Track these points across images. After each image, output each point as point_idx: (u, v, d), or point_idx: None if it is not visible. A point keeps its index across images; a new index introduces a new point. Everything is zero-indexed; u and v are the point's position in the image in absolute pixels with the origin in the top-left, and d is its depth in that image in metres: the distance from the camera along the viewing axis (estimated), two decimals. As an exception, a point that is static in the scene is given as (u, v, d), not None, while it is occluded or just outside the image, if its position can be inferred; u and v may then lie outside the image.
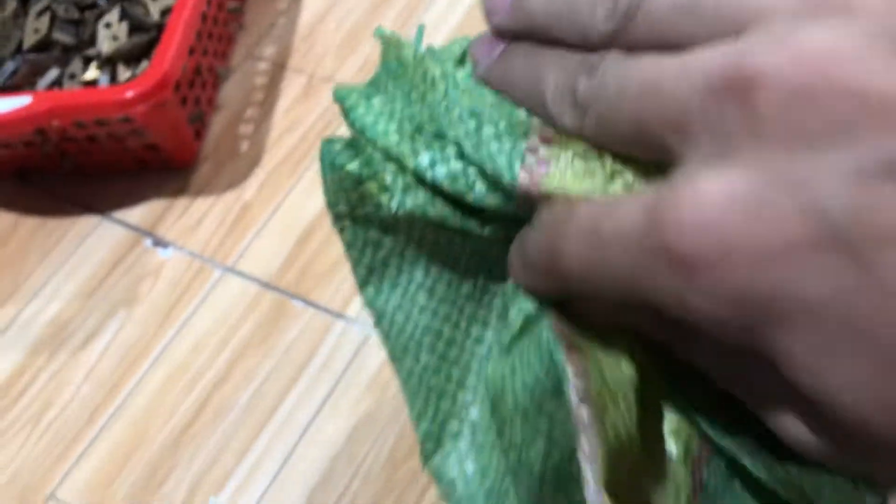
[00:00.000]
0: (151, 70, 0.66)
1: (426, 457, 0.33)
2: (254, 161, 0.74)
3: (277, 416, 0.60)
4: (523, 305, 0.29)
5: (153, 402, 0.62)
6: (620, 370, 0.28)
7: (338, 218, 0.33)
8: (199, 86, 0.74)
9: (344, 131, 0.29)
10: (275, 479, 0.57)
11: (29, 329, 0.68)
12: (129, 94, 0.64)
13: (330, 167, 0.32)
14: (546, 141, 0.27)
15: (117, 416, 0.62)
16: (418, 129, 0.30)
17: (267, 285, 0.66)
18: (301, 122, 0.76)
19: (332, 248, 0.67)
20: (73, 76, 0.73)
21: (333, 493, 0.56)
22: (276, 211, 0.71)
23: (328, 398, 0.60)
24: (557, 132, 0.27)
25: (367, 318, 0.63)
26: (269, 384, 0.61)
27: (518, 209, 0.28)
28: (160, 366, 0.64)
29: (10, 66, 0.74)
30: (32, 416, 0.63)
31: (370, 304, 0.33)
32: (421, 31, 0.33)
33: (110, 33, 0.74)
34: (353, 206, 0.31)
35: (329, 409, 0.59)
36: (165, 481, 0.58)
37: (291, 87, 0.78)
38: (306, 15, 0.83)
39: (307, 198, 0.71)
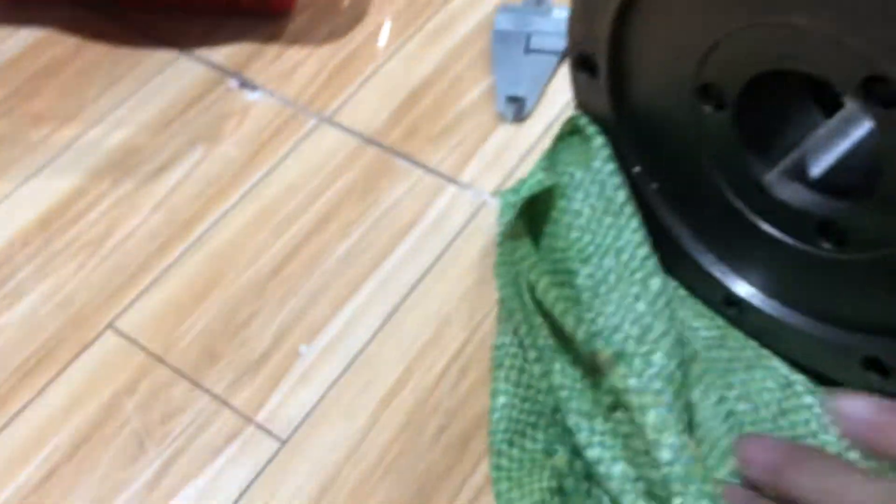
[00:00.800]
0: None
1: None
2: (356, 17, 0.67)
3: (380, 272, 0.52)
4: None
5: (236, 240, 0.54)
6: None
7: None
8: (304, -70, 0.67)
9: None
10: (376, 334, 0.50)
11: (91, 153, 0.59)
12: None
13: None
14: None
15: (194, 250, 0.54)
16: None
17: (369, 140, 0.59)
18: (410, -14, 0.69)
19: (445, 111, 0.60)
20: None
21: (444, 356, 0.49)
22: (380, 67, 0.64)
23: (437, 262, 0.53)
24: None
25: (482, 186, 0.56)
26: (369, 239, 0.54)
27: None
28: (246, 205, 0.56)
29: None
30: (92, 239, 0.55)
31: None
32: None
33: None
34: None
35: (437, 272, 0.52)
36: (248, 325, 0.51)
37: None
38: None
39: (416, 61, 0.64)
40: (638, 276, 0.44)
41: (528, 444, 0.43)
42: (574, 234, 0.45)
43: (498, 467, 0.43)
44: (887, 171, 0.35)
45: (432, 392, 0.47)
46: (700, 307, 0.49)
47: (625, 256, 0.44)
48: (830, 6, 0.33)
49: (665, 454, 0.39)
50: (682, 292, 0.49)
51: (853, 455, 0.40)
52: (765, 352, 0.46)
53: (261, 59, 0.65)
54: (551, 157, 0.50)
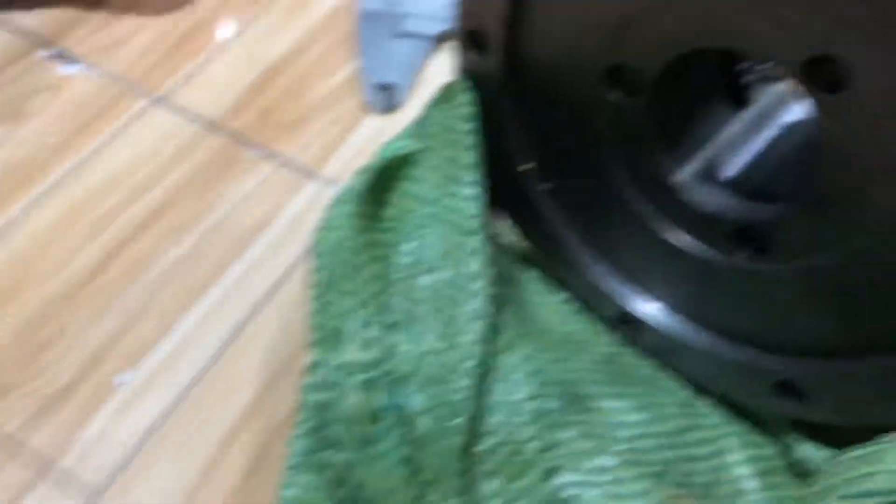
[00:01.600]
0: None
1: None
2: (203, -17, 0.58)
3: (222, 282, 0.44)
4: None
5: (40, 241, 0.44)
6: None
7: None
8: None
9: None
10: (216, 358, 0.41)
11: None
12: None
13: None
14: None
15: (-17, 253, 0.43)
16: None
17: (212, 125, 0.50)
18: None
19: (304, 97, 0.53)
20: None
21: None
22: (229, 43, 0.55)
23: (294, 270, 0.45)
24: None
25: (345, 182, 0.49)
26: (210, 243, 0.45)
27: None
28: (54, 198, 0.46)
29: None
30: None
31: None
32: None
33: None
34: None
35: (295, 282, 0.44)
36: (50, 346, 0.41)
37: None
38: None
39: (271, 38, 0.56)
40: (461, 253, 0.37)
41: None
42: (409, 204, 0.39)
43: None
44: (827, 167, 0.31)
45: (286, 432, 0.39)
46: (588, 321, 0.44)
47: (455, 234, 0.38)
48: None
49: None
50: (575, 305, 0.44)
51: (753, 483, 0.37)
52: (662, 373, 0.42)
53: (83, 27, 0.55)
54: (420, 124, 0.43)
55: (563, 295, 0.45)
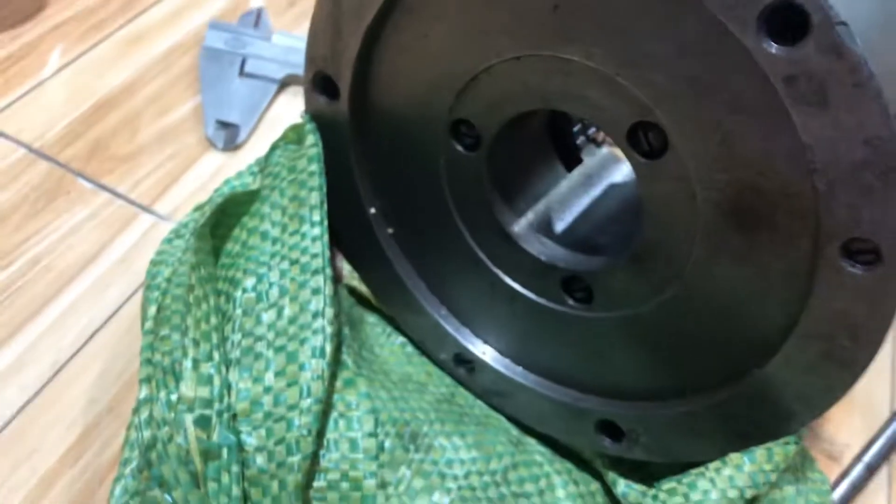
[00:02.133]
0: None
1: None
2: (34, 6, 0.55)
3: (38, 322, 0.41)
4: None
5: None
6: None
7: None
8: None
9: None
10: (26, 405, 0.38)
11: None
12: None
13: None
14: None
15: None
16: None
17: (39, 153, 0.48)
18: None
19: (141, 129, 0.51)
20: None
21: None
22: (61, 70, 0.53)
23: (123, 307, 0.43)
24: None
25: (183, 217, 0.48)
26: (30, 278, 0.43)
27: None
28: None
29: None
30: None
31: None
32: None
33: None
34: None
35: (123, 321, 0.43)
36: None
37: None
38: None
39: (107, 68, 0.54)
40: (304, 291, 0.38)
41: None
42: (252, 241, 0.39)
43: None
44: (645, 225, 0.34)
45: (109, 475, 0.37)
46: (427, 364, 0.45)
47: (298, 272, 0.38)
48: (609, 40, 0.31)
49: None
50: (413, 349, 0.45)
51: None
52: (494, 413, 0.44)
53: None
54: (264, 162, 0.43)
55: (401, 339, 0.46)
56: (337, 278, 0.45)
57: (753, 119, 0.29)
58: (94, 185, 0.47)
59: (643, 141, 0.32)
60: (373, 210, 0.43)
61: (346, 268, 0.46)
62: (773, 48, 0.27)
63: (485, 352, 0.43)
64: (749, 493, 0.34)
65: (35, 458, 0.37)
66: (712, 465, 0.35)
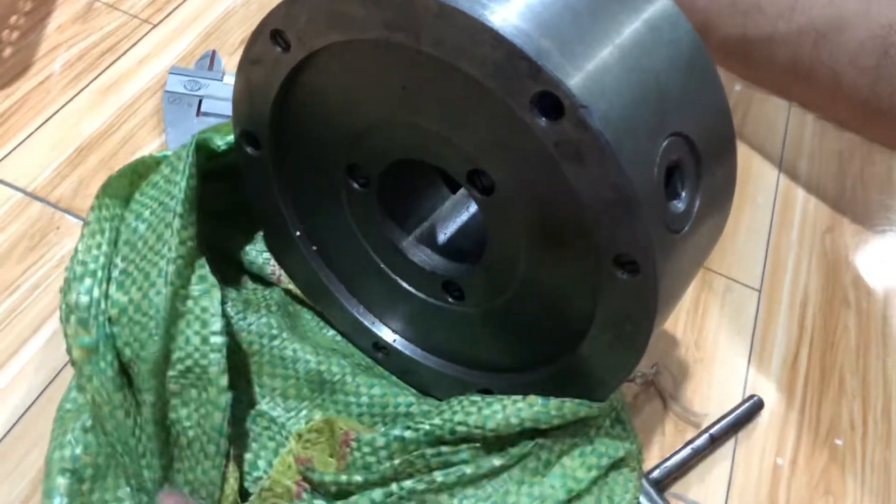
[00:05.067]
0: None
1: None
2: (20, 67, 0.66)
3: (45, 329, 0.53)
4: None
5: None
6: None
7: None
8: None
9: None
10: (42, 393, 0.50)
11: None
12: None
13: None
14: None
15: None
16: None
17: (34, 195, 0.59)
18: (79, 40, 0.69)
19: (118, 167, 0.62)
20: None
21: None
22: (47, 122, 0.63)
23: (107, 317, 0.54)
24: None
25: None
26: (31, 302, 0.54)
27: None
28: None
29: None
30: None
31: None
32: None
33: None
34: None
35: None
36: None
37: (68, 5, 0.72)
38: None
39: (86, 116, 0.65)
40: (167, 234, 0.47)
41: None
42: (144, 194, 0.50)
43: None
44: (489, 242, 0.45)
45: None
46: (352, 348, 0.56)
47: (160, 211, 0.48)
48: (441, 111, 0.41)
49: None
50: (339, 337, 0.56)
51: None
52: (404, 385, 0.55)
53: None
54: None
55: (332, 331, 0.57)
56: (276, 283, 0.57)
57: (542, 170, 0.39)
58: (79, 219, 0.58)
59: (478, 182, 0.43)
60: (298, 233, 0.54)
61: (283, 274, 0.57)
62: (543, 122, 0.37)
63: (395, 339, 0.54)
64: (528, 424, 0.44)
65: (28, 459, 0.48)
66: (514, 398, 0.45)
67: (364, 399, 0.52)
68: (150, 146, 0.64)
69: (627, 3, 0.40)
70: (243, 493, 0.47)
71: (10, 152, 0.61)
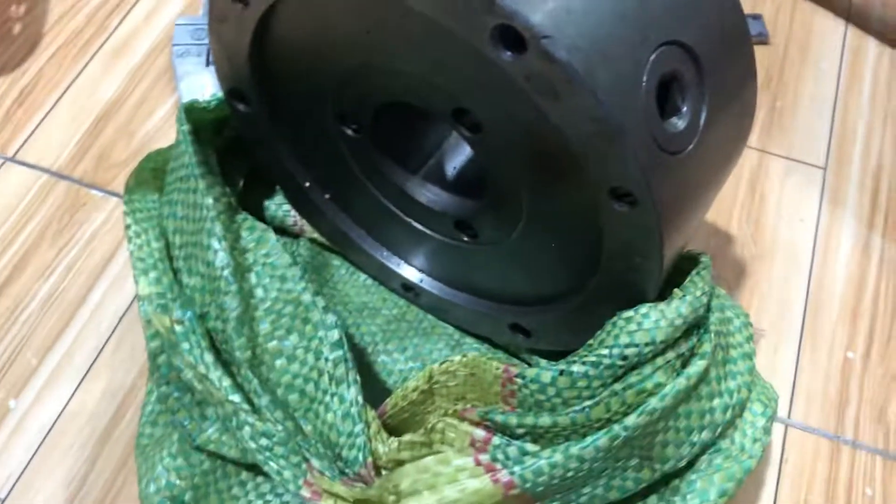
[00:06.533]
0: None
1: None
2: (30, 43, 0.66)
3: (84, 309, 0.54)
4: None
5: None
6: None
7: None
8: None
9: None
10: (89, 371, 0.52)
11: None
12: None
13: None
14: None
15: None
16: None
17: (58, 174, 0.60)
18: (84, 4, 0.68)
19: (134, 135, 0.62)
20: None
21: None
22: (63, 96, 0.63)
23: (141, 288, 0.55)
24: None
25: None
26: (71, 278, 0.55)
27: None
28: (-69, 262, 0.55)
29: None
30: None
31: None
32: None
33: None
34: None
35: (144, 299, 0.55)
36: (-51, 385, 0.51)
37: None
38: None
39: (99, 84, 0.64)
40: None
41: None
42: (178, 195, 0.49)
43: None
44: (488, 179, 0.42)
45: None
46: (384, 292, 0.55)
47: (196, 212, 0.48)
48: (412, 54, 0.38)
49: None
50: (369, 281, 0.56)
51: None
52: (439, 322, 0.54)
53: (-72, 99, 0.62)
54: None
55: (363, 275, 0.56)
56: (299, 233, 0.56)
57: (522, 106, 0.36)
58: (104, 192, 0.59)
59: (465, 121, 0.40)
60: (307, 183, 0.52)
61: (305, 223, 0.56)
62: (509, 56, 0.34)
63: (422, 279, 0.53)
64: (691, 319, 0.41)
65: (89, 424, 0.50)
66: (659, 304, 0.40)
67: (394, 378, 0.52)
68: (165, 105, 0.63)
69: None
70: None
71: (31, 132, 0.61)
